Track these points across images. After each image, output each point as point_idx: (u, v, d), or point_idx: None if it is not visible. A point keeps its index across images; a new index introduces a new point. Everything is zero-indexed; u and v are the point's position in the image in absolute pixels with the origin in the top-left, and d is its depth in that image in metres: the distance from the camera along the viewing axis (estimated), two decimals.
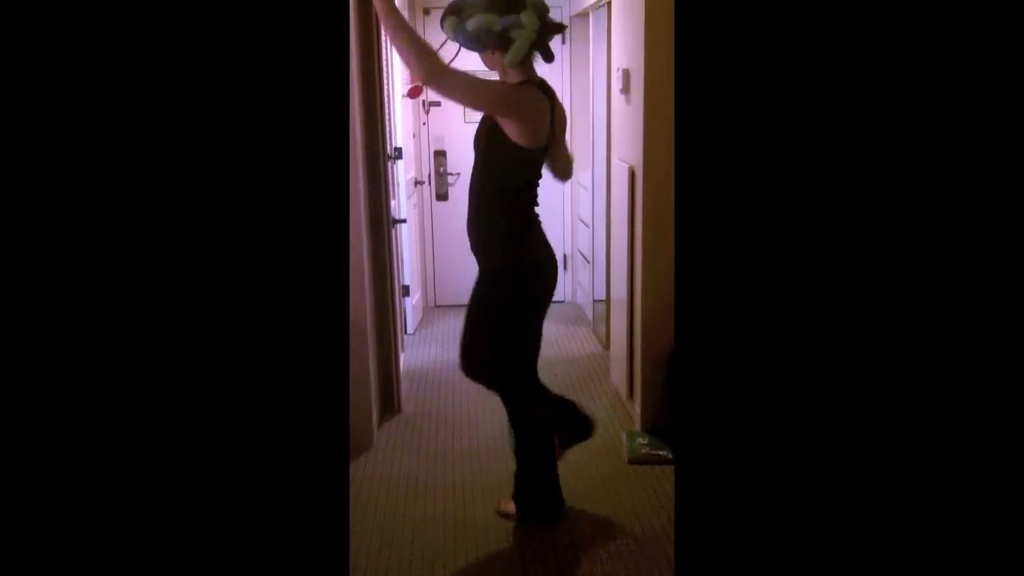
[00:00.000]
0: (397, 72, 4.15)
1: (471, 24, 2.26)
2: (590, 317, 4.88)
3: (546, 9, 2.31)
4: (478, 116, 2.44)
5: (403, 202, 4.32)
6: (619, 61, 3.51)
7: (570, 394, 3.81)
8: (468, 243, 2.51)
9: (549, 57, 2.36)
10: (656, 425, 3.31)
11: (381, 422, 3.52)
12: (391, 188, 3.54)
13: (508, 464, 3.12)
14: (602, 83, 4.14)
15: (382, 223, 3.41)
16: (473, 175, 2.44)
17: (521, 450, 2.65)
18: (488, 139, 2.35)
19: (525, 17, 2.24)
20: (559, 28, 2.33)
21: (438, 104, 5.01)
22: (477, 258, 2.50)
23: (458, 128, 5.00)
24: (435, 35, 4.94)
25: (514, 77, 2.35)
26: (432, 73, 2.16)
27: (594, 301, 4.72)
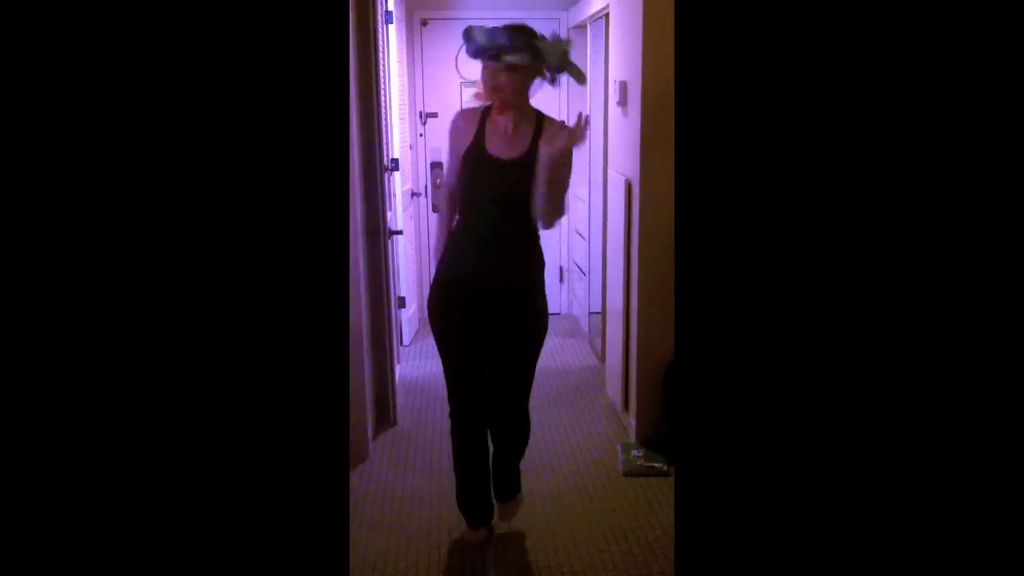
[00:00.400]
0: (394, 85, 4.16)
1: (552, 46, 2.32)
2: (586, 329, 4.88)
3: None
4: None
5: (399, 214, 4.32)
6: (616, 73, 3.52)
7: (565, 406, 3.82)
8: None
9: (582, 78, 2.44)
10: (651, 437, 3.30)
11: (376, 434, 3.50)
12: (387, 200, 3.54)
13: None
14: (599, 95, 4.15)
15: (378, 234, 3.41)
16: (509, 204, 2.39)
17: (518, 448, 2.68)
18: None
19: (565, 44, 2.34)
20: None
21: (435, 115, 5.01)
22: (501, 286, 2.45)
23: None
24: (432, 45, 4.96)
25: (528, 102, 2.40)
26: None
27: (590, 313, 4.72)
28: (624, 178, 3.36)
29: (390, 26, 4.04)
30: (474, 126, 2.39)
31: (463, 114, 2.45)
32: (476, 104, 2.47)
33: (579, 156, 4.97)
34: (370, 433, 3.34)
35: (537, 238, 2.47)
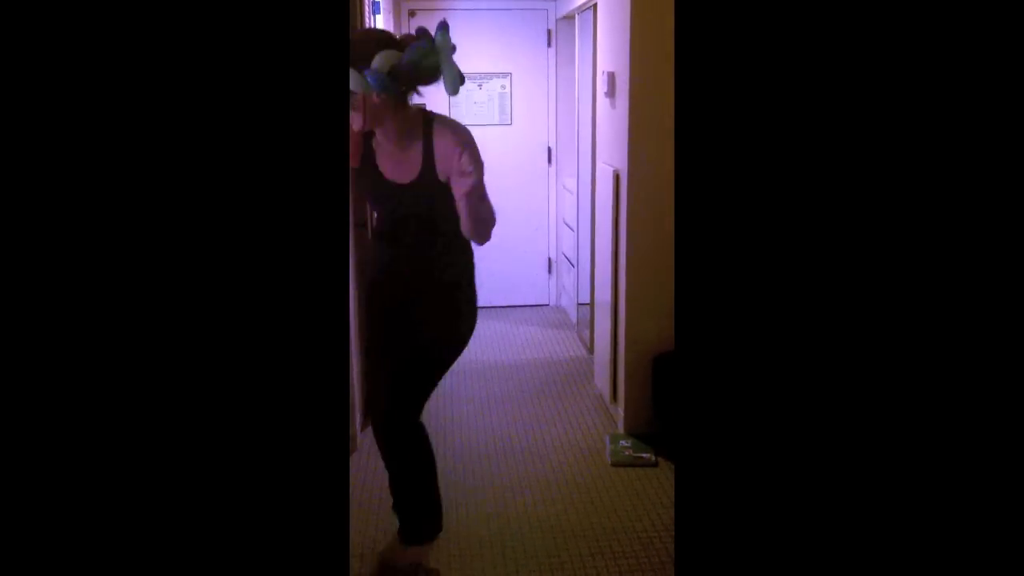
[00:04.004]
0: None
1: (386, 61, 1.96)
2: (574, 321, 4.88)
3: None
4: (466, 123, 2.35)
5: None
6: (604, 64, 3.51)
7: (553, 397, 3.82)
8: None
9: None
10: (639, 428, 3.32)
11: (364, 426, 3.50)
12: None
13: (492, 467, 3.12)
14: (587, 86, 4.15)
15: (366, 227, 3.39)
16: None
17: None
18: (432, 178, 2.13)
19: (441, 38, 1.99)
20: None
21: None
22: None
23: None
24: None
25: (406, 111, 2.11)
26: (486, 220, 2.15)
27: (578, 304, 4.72)
28: (612, 169, 3.36)
29: (377, 16, 4.02)
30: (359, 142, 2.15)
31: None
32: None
33: (567, 147, 5.00)
34: (358, 425, 3.34)
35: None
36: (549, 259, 5.35)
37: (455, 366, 2.40)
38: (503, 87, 5.08)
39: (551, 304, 5.41)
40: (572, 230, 4.76)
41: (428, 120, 2.14)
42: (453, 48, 2.01)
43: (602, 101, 3.59)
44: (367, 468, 3.12)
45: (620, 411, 3.41)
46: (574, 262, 4.75)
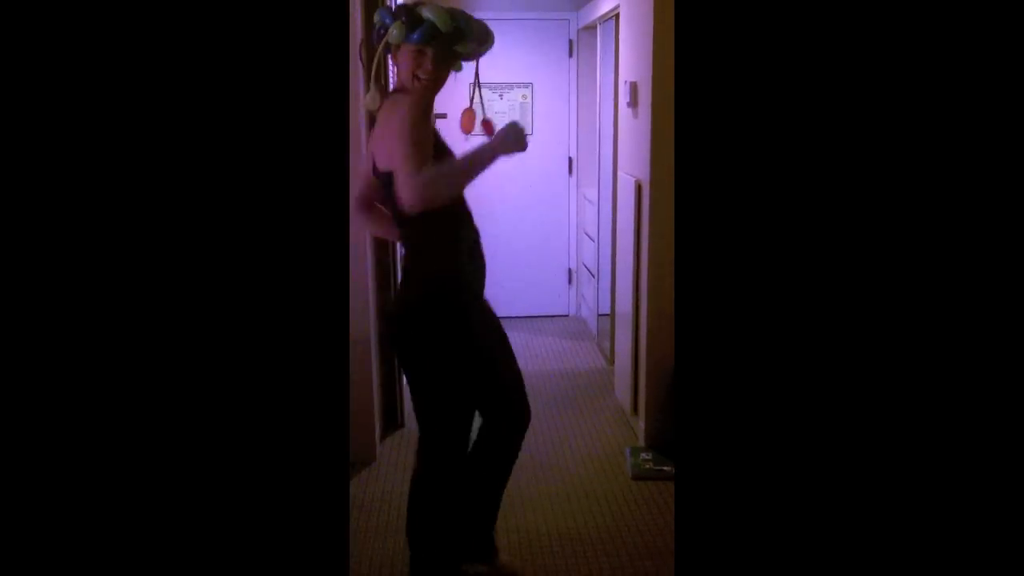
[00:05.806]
0: None
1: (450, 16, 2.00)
2: (594, 331, 4.86)
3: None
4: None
5: None
6: (626, 74, 3.50)
7: (574, 409, 3.80)
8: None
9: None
10: (660, 441, 3.29)
11: (384, 436, 3.49)
12: None
13: (510, 479, 3.09)
14: (609, 96, 4.14)
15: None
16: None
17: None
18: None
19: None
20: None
21: (444, 116, 5.00)
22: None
23: (461, 142, 5.00)
24: None
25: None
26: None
27: (599, 315, 4.70)
28: (634, 179, 3.34)
29: None
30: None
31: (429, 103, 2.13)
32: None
33: (588, 157, 4.99)
34: (377, 435, 3.33)
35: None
36: (569, 269, 5.34)
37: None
38: (524, 97, 5.07)
39: (571, 315, 5.39)
40: (592, 240, 4.74)
41: None
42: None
43: (624, 111, 3.58)
44: (384, 481, 3.11)
45: (641, 423, 3.38)
46: (594, 272, 4.73)
